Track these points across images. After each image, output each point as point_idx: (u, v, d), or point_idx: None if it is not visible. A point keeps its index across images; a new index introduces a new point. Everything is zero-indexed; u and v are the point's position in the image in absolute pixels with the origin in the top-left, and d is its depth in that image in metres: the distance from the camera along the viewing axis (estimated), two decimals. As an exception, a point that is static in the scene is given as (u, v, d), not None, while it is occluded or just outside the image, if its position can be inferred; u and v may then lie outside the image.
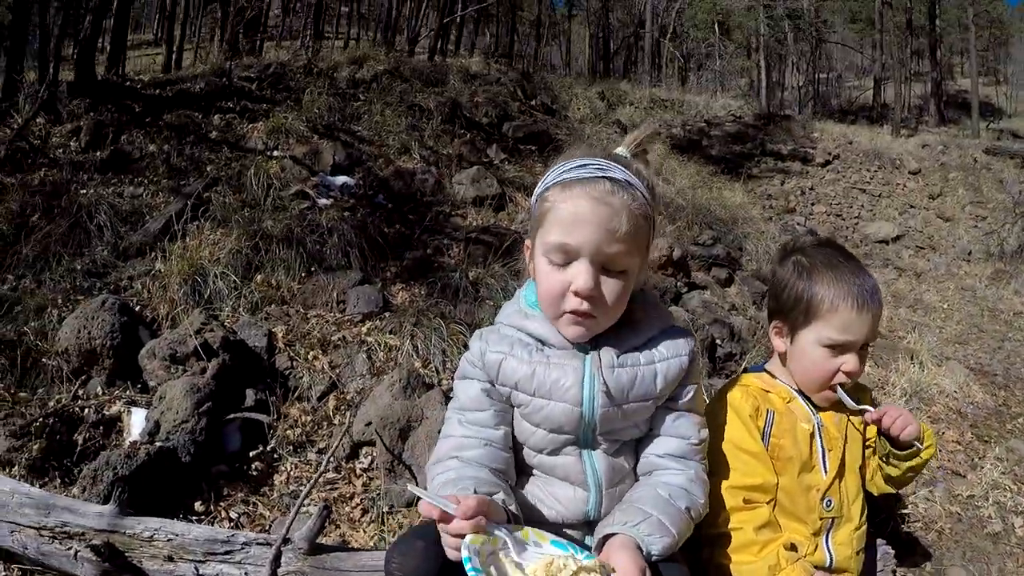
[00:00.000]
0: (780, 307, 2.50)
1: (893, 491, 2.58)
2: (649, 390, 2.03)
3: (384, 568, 1.92)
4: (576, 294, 1.88)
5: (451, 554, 1.73)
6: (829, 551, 2.33)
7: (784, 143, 14.35)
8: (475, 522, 1.68)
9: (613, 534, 1.91)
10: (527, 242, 2.06)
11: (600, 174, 1.90)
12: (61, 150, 5.66)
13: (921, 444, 2.24)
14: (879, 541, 3.02)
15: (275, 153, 5.83)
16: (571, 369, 2.00)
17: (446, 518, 1.69)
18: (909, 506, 3.72)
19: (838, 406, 2.35)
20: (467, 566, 1.66)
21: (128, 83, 7.47)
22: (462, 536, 1.69)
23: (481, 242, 5.16)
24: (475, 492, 1.82)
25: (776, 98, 22.40)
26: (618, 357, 2.01)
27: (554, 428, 2.04)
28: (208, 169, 5.48)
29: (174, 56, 12.91)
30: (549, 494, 2.09)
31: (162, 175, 5.46)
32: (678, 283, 5.40)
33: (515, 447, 2.12)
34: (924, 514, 3.71)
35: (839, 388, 2.31)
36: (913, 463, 2.32)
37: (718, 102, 16.89)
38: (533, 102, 10.14)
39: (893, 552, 3.04)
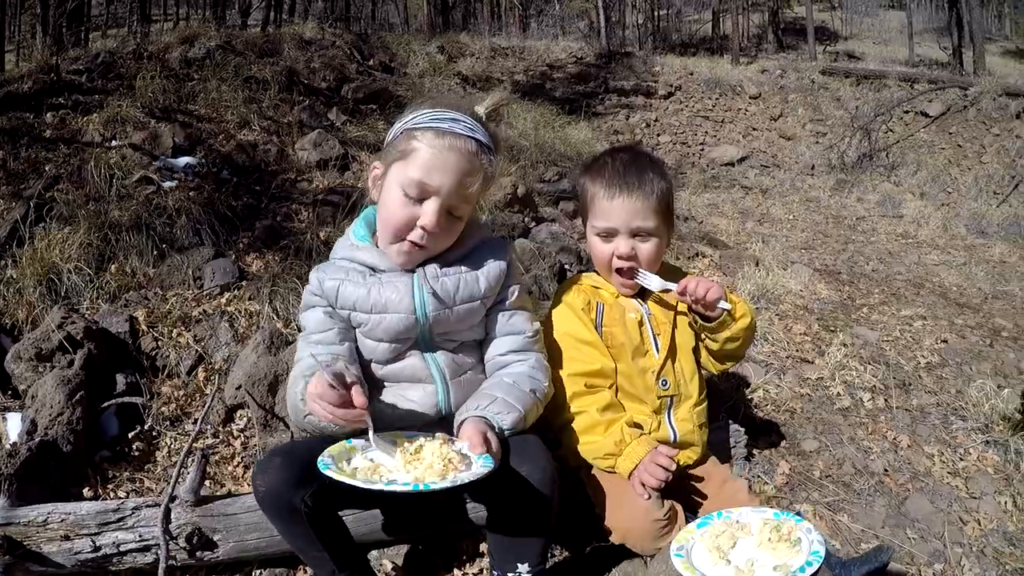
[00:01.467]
0: (579, 208, 2.81)
1: (726, 367, 2.88)
2: (474, 291, 2.34)
3: (252, 490, 2.17)
4: (423, 227, 2.19)
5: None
6: (672, 427, 2.60)
7: (627, 79, 14.67)
8: (357, 412, 1.94)
9: (463, 420, 2.18)
10: (376, 164, 2.36)
11: (470, 134, 2.22)
12: None
13: (728, 307, 2.50)
14: (731, 424, 3.35)
15: (113, 143, 5.75)
16: (401, 284, 2.30)
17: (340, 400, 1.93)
18: (760, 391, 4.00)
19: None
20: (319, 464, 1.89)
21: (-52, 92, 7.18)
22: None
23: (328, 203, 5.29)
24: (317, 364, 2.08)
25: (617, 37, 22.72)
26: (441, 268, 2.33)
27: (394, 338, 2.32)
28: (47, 169, 5.38)
29: (-7, 59, 12.33)
30: (400, 396, 2.37)
31: (1, 182, 5.35)
32: (526, 218, 5.62)
33: (362, 364, 2.38)
34: (775, 398, 3.97)
35: (639, 273, 2.57)
36: (728, 333, 2.58)
37: (559, 45, 17.08)
38: (371, 62, 10.16)
39: (744, 430, 3.39)
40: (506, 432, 2.18)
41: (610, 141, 11.18)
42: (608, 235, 2.58)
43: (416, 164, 2.18)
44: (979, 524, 3.13)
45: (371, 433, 2.07)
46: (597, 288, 2.68)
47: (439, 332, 2.34)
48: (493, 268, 2.37)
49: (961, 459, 3.58)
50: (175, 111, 6.43)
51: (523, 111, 9.54)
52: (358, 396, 1.96)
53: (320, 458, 1.93)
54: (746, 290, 5.21)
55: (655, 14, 29.65)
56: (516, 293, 2.44)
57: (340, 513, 2.39)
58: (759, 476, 3.33)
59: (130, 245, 4.53)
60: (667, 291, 2.59)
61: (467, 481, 1.85)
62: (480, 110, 2.37)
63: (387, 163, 2.29)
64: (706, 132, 13.25)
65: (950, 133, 12.59)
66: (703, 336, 2.70)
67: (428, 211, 2.19)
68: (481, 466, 1.92)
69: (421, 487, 1.81)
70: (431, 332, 2.33)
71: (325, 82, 8.04)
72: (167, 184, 5.23)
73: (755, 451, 3.47)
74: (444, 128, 2.19)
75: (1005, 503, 3.26)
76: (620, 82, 14.44)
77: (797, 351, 4.53)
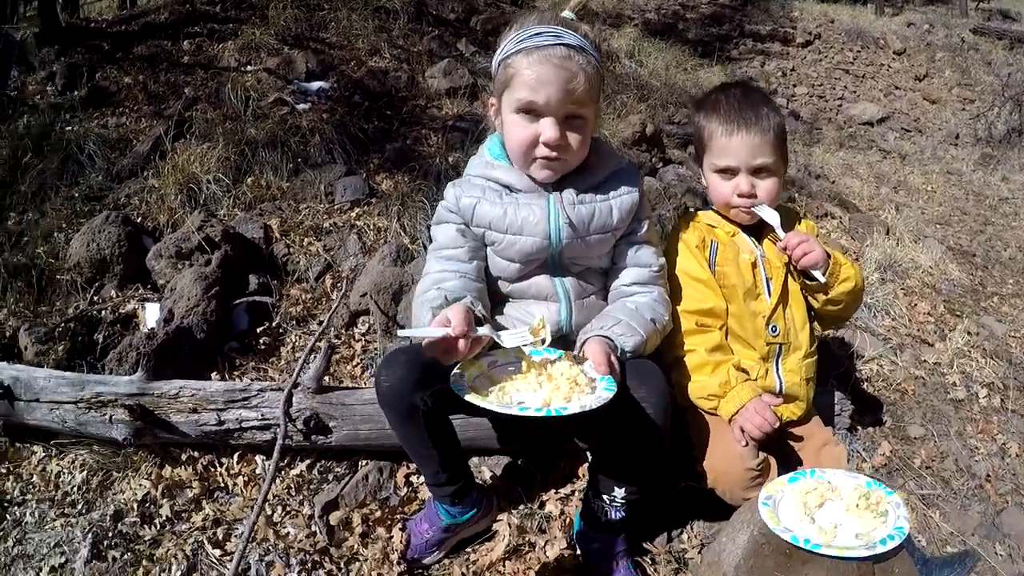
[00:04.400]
0: (694, 146, 2.77)
1: (829, 329, 2.81)
2: (607, 222, 2.35)
3: (375, 383, 2.22)
4: (546, 144, 2.19)
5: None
6: (779, 376, 2.55)
7: (763, 24, 13.96)
8: (459, 349, 1.88)
9: (587, 338, 2.17)
10: (492, 100, 2.38)
11: (557, 41, 2.17)
12: (39, 96, 5.74)
13: (822, 279, 2.44)
14: (837, 392, 3.21)
15: (248, 68, 5.94)
16: (538, 208, 2.30)
17: (447, 344, 1.88)
18: (874, 364, 3.82)
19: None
20: (451, 383, 1.91)
21: (92, 24, 7.49)
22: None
23: (458, 129, 5.33)
24: (445, 300, 2.09)
25: (755, -22, 21.87)
26: (577, 195, 2.33)
27: (525, 259, 2.35)
28: (186, 91, 5.59)
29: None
30: (526, 312, 2.38)
31: (142, 103, 5.57)
32: (653, 158, 5.52)
33: (488, 280, 2.40)
34: (888, 375, 3.78)
35: (760, 208, 2.53)
36: (831, 295, 2.51)
37: (694, -17, 16.60)
38: (501, -7, 10.09)
39: (851, 400, 3.26)
40: (627, 355, 2.17)
41: (744, 90, 10.76)
42: (728, 172, 2.54)
43: (518, 87, 2.18)
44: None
45: (499, 356, 2.09)
46: (712, 227, 2.63)
47: (568, 257, 2.35)
48: (626, 200, 2.36)
49: (1072, 482, 3.29)
50: (307, 39, 6.56)
51: (655, 50, 9.29)
52: (461, 345, 1.91)
53: (453, 378, 1.93)
54: (873, 258, 4.90)
55: (794, -46, 28.43)
56: (645, 226, 2.43)
57: (451, 416, 2.44)
58: (858, 452, 3.20)
59: (265, 160, 4.70)
60: (776, 236, 2.53)
61: (594, 407, 1.83)
62: (567, 13, 2.36)
63: (498, 96, 2.30)
64: (845, 87, 12.44)
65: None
66: (807, 291, 2.62)
67: (546, 125, 2.18)
68: (604, 389, 1.91)
69: (553, 412, 1.81)
70: (561, 256, 2.34)
71: (454, 13, 8.03)
72: (301, 106, 5.37)
73: (858, 426, 3.33)
74: (530, 45, 2.16)
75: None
76: (756, 26, 13.80)
77: (918, 331, 4.27)
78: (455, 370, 1.94)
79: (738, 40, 13.29)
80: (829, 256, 2.45)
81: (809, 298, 2.60)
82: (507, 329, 2.13)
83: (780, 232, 2.50)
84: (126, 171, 4.78)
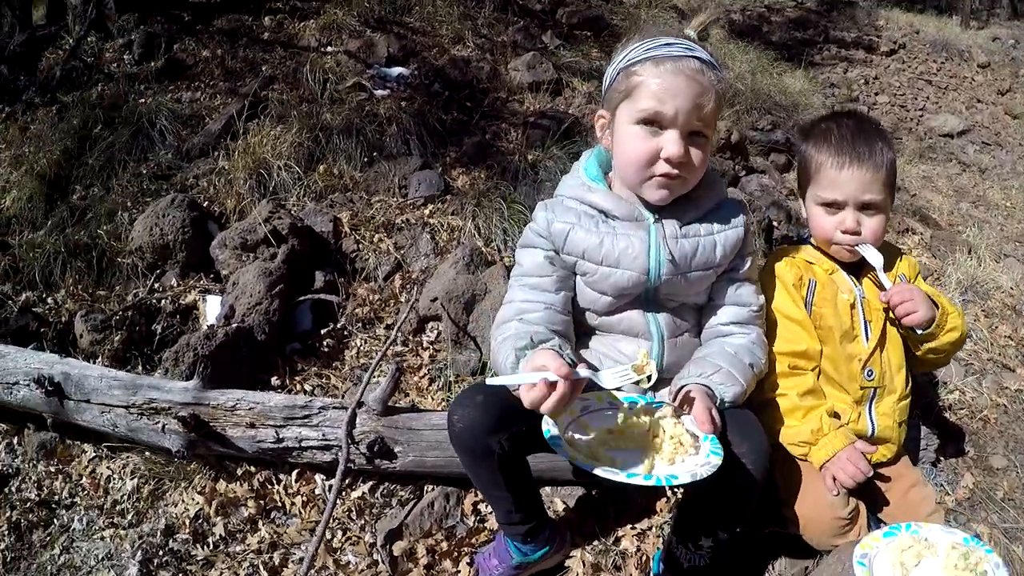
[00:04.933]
0: (797, 174, 2.59)
1: (925, 369, 2.71)
2: (710, 259, 2.16)
3: (447, 421, 2.06)
4: (668, 160, 2.00)
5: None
6: (872, 420, 2.41)
7: (848, 30, 13.75)
8: (561, 396, 1.70)
9: (684, 386, 2.01)
10: (602, 112, 2.18)
11: (689, 53, 2.01)
12: (115, 64, 5.67)
13: (925, 330, 2.29)
14: (923, 426, 3.07)
15: (328, 49, 5.79)
16: (637, 239, 2.11)
17: (546, 391, 1.71)
18: (956, 392, 3.64)
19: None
20: (547, 436, 1.78)
21: (174, -8, 7.45)
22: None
23: (539, 126, 5.10)
24: (531, 341, 1.92)
25: (840, -17, 21.49)
26: (680, 228, 2.14)
27: (619, 294, 2.16)
28: (263, 69, 5.47)
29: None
30: (613, 348, 2.20)
31: (218, 78, 5.47)
32: (736, 166, 5.31)
33: (575, 311, 2.22)
34: (971, 402, 3.60)
35: (864, 247, 2.36)
36: (933, 344, 2.34)
37: (780, -14, 16.32)
38: (587, -14, 9.89)
39: (936, 434, 3.11)
40: (726, 405, 2.02)
41: (825, 94, 10.44)
42: (834, 207, 2.38)
43: (644, 96, 1.99)
44: None
45: (593, 400, 2.00)
46: (811, 263, 2.47)
47: (665, 292, 2.17)
48: (731, 235, 2.18)
49: None
50: (390, 22, 6.40)
51: (739, 52, 9.06)
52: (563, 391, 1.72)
53: (547, 431, 1.78)
54: (955, 279, 4.71)
55: (883, -38, 27.89)
56: (748, 263, 2.27)
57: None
58: (941, 485, 3.05)
59: (339, 148, 4.54)
60: (876, 277, 2.38)
61: (705, 476, 1.71)
62: (690, 32, 2.18)
63: (612, 108, 2.11)
64: (927, 97, 12.16)
65: None
66: (909, 337, 2.44)
67: (670, 139, 1.99)
68: (712, 452, 1.80)
69: (664, 481, 1.71)
70: (657, 292, 2.16)
71: (540, 4, 7.82)
72: (379, 92, 5.20)
73: (941, 457, 3.19)
74: (661, 55, 1.99)
75: None
76: (841, 32, 13.51)
77: (1000, 355, 4.06)
78: (546, 418, 1.79)
79: (822, 46, 13.07)
80: (934, 311, 2.30)
81: (910, 344, 2.45)
82: (601, 368, 1.98)
83: (882, 276, 2.35)
84: (196, 150, 4.67)
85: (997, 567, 1.84)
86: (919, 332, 2.31)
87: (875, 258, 2.34)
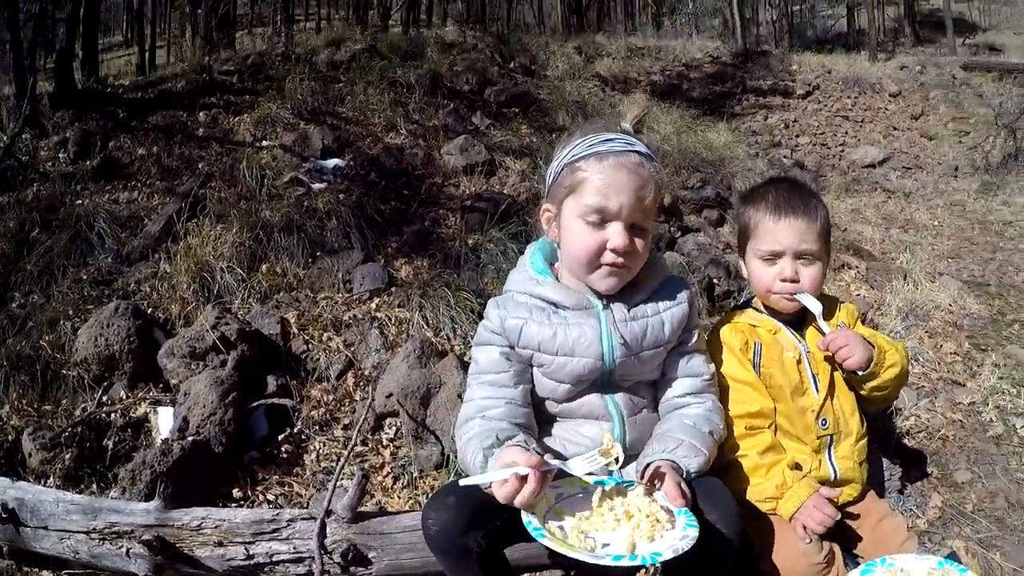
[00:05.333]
0: (737, 236, 2.74)
1: (875, 408, 2.73)
2: (660, 337, 2.25)
3: (421, 524, 2.09)
4: (614, 251, 2.11)
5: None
6: (833, 465, 2.49)
7: (764, 79, 14.25)
8: (534, 488, 1.78)
9: (651, 463, 2.06)
10: (548, 206, 2.27)
11: (630, 148, 2.14)
12: (51, 163, 5.65)
13: (864, 371, 2.39)
14: (883, 458, 3.15)
15: (264, 143, 5.86)
16: (589, 327, 2.19)
17: (518, 486, 1.79)
18: (911, 418, 3.77)
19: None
20: (529, 528, 1.81)
21: (108, 89, 7.45)
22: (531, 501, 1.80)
23: (476, 209, 5.22)
24: (497, 439, 1.99)
25: (752, 35, 22.28)
26: (628, 311, 2.23)
27: (575, 381, 2.22)
28: (200, 166, 5.51)
29: (147, 56, 12.87)
30: (576, 432, 2.27)
31: (155, 177, 5.48)
32: (671, 228, 5.47)
33: (535, 400, 2.28)
34: (927, 424, 3.75)
35: (802, 296, 2.48)
36: (875, 383, 2.46)
37: (695, 44, 16.75)
38: (512, 64, 10.09)
39: (898, 463, 3.24)
40: (692, 475, 2.07)
41: (749, 143, 10.77)
42: (773, 257, 2.50)
43: (589, 192, 2.11)
44: None
45: (565, 487, 2.03)
46: (755, 326, 2.57)
47: (620, 374, 2.24)
48: (676, 312, 2.28)
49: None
50: (323, 113, 6.50)
51: (662, 113, 9.28)
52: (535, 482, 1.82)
53: (527, 522, 1.82)
54: (895, 307, 4.94)
55: (789, 10, 28.93)
56: (695, 336, 2.36)
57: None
58: (911, 510, 3.16)
59: (281, 246, 4.57)
60: (818, 325, 2.50)
61: (687, 550, 1.77)
62: (626, 125, 2.32)
63: (558, 202, 2.21)
64: (846, 132, 12.68)
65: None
66: (852, 380, 2.55)
67: (615, 231, 2.10)
68: (687, 525, 1.85)
69: (648, 560, 1.76)
70: (612, 374, 2.23)
71: (468, 85, 8.01)
72: (317, 186, 5.27)
73: (907, 483, 3.30)
74: (603, 150, 2.11)
75: None
76: (758, 81, 14.04)
77: (948, 372, 4.26)
78: (524, 512, 1.84)
79: (741, 96, 13.58)
80: (871, 352, 2.39)
81: (855, 385, 2.54)
82: (567, 456, 2.08)
83: (822, 322, 2.46)
84: (136, 253, 4.65)
85: None
86: (859, 374, 2.40)
87: (814, 305, 2.45)
